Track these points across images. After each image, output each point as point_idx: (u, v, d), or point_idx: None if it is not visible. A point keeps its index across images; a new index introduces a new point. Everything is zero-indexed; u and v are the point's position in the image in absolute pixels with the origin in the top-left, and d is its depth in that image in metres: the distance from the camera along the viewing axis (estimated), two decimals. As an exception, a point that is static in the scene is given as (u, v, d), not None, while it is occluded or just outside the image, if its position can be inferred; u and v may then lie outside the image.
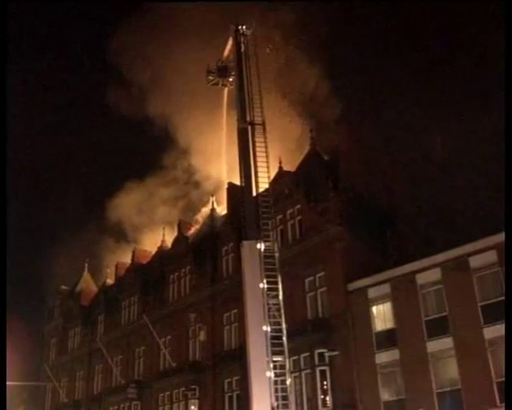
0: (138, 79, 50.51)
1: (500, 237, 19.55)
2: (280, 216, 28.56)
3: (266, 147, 21.12)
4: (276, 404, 17.17)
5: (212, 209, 38.62)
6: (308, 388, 24.54)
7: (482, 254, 21.90)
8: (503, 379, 17.71)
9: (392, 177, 31.51)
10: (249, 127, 21.36)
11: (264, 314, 18.03)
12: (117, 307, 38.91)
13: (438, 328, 22.33)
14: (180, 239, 36.31)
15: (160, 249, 40.67)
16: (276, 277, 18.79)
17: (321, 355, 24.48)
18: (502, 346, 18.42)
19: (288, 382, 17.88)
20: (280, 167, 29.59)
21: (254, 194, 20.64)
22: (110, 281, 45.17)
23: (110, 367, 37.00)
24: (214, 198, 39.44)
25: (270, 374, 17.36)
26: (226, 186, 35.86)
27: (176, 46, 45.73)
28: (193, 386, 30.05)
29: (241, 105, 21.90)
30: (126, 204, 49.45)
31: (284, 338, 18.16)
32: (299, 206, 28.42)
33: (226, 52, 24.74)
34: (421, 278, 23.37)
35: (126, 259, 42.95)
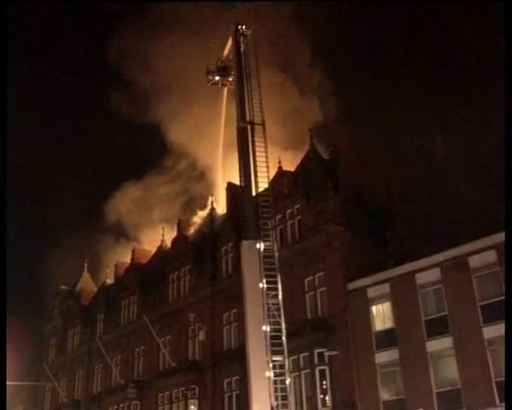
0: (138, 79, 50.59)
1: (500, 237, 19.56)
2: (279, 216, 28.55)
3: (266, 147, 21.09)
4: (275, 404, 17.12)
5: (212, 209, 38.58)
6: (307, 387, 24.53)
7: (482, 254, 21.90)
8: (503, 379, 17.70)
9: (391, 176, 31.53)
10: (249, 127, 21.34)
11: (264, 314, 17.97)
12: (116, 307, 38.91)
13: (437, 328, 22.33)
14: (180, 239, 36.28)
15: (160, 249, 40.67)
16: (275, 276, 18.73)
17: (320, 355, 24.48)
18: (501, 345, 18.45)
19: (287, 381, 17.82)
20: (279, 167, 29.62)
21: (254, 194, 20.61)
22: (110, 281, 45.10)
23: (110, 367, 37.02)
24: (213, 198, 39.44)
25: (270, 374, 17.31)
26: (225, 186, 35.81)
27: (176, 46, 45.79)
28: (192, 386, 30.03)
29: (241, 104, 21.87)
30: (125, 203, 49.52)
31: (284, 338, 18.11)
32: (298, 206, 28.43)
33: (226, 51, 24.69)
34: (420, 278, 23.38)
35: (126, 258, 42.93)
